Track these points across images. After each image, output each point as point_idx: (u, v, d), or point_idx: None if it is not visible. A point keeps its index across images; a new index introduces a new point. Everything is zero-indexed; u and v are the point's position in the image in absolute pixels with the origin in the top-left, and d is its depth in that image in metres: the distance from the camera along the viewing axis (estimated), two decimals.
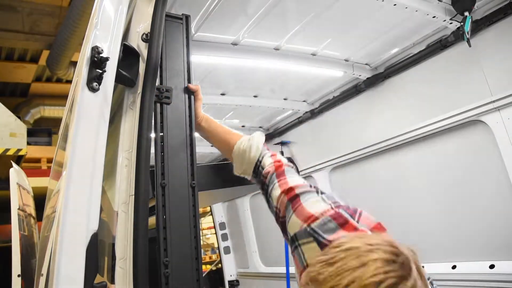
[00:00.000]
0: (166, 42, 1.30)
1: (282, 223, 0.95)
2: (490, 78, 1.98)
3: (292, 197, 0.93)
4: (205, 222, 8.29)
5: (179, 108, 1.25)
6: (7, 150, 6.49)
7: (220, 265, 4.52)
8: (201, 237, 1.30)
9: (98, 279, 0.97)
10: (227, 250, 4.36)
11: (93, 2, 1.18)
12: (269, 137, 3.42)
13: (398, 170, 2.56)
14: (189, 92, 1.28)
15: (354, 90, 2.67)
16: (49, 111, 10.67)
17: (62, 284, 0.89)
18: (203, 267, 4.37)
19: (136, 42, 1.20)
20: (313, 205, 0.88)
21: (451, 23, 2.05)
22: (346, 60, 2.44)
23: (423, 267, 1.06)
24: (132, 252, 1.03)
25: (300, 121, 3.18)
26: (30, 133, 8.15)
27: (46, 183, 2.51)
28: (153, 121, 1.17)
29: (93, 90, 1.01)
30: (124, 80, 1.15)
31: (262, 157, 1.14)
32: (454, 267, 2.13)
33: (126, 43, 1.16)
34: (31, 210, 3.19)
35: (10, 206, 2.68)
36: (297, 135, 3.28)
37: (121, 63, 1.10)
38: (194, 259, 1.19)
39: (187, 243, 1.19)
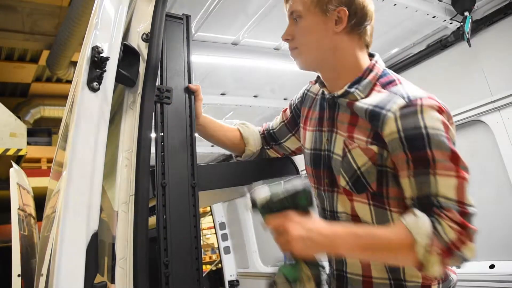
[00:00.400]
0: (166, 42, 1.30)
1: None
2: (490, 78, 1.98)
3: None
4: (205, 222, 8.30)
5: (180, 108, 1.25)
6: (7, 150, 6.50)
7: (220, 265, 4.52)
8: (201, 237, 1.30)
9: (98, 279, 0.97)
10: (227, 250, 4.36)
11: (93, 2, 1.18)
12: None
13: None
14: (190, 92, 1.28)
15: None
16: (49, 111, 10.68)
17: (62, 284, 0.89)
18: (203, 267, 4.37)
19: (136, 42, 1.20)
20: None
21: (451, 23, 2.05)
22: None
23: None
24: (132, 252, 1.03)
25: None
26: (30, 133, 8.16)
27: (46, 183, 2.51)
28: (153, 121, 1.17)
29: (93, 90, 1.01)
30: (124, 80, 1.15)
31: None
32: None
33: (126, 43, 1.16)
34: (31, 210, 3.19)
35: (10, 206, 2.68)
36: None
37: (121, 63, 1.10)
38: (194, 259, 1.19)
39: (187, 243, 1.19)
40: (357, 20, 1.07)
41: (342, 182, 1.07)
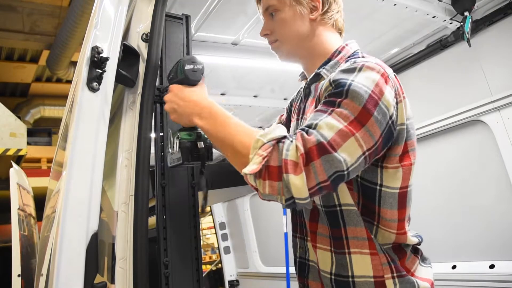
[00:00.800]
0: (166, 42, 1.30)
1: None
2: (490, 78, 1.98)
3: None
4: (205, 222, 8.30)
5: None
6: (7, 150, 6.50)
7: (220, 265, 4.52)
8: (201, 237, 1.30)
9: (98, 279, 0.96)
10: (227, 250, 4.36)
11: (93, 2, 1.18)
12: None
13: None
14: None
15: None
16: (49, 111, 10.68)
17: (62, 284, 0.89)
18: (203, 267, 4.37)
19: (136, 42, 1.20)
20: None
21: (451, 23, 2.05)
22: None
23: (430, 267, 1.07)
24: (132, 252, 1.03)
25: None
26: (30, 133, 8.16)
27: (46, 183, 2.51)
28: (153, 121, 1.17)
29: (93, 90, 1.01)
30: (124, 80, 1.15)
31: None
32: (454, 267, 2.13)
33: (126, 43, 1.16)
34: (31, 210, 3.18)
35: (10, 206, 2.68)
36: None
37: (121, 63, 1.10)
38: (194, 259, 1.19)
39: (187, 243, 1.20)
40: (329, 6, 1.13)
41: None
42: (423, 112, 2.28)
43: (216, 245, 5.67)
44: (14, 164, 3.18)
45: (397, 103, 0.94)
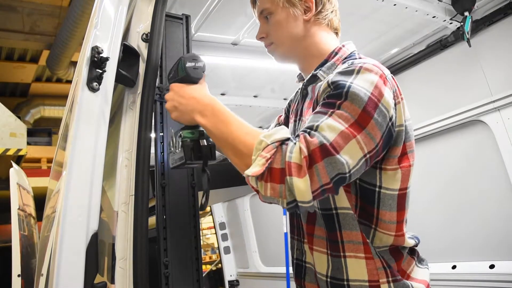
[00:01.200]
0: (166, 42, 1.30)
1: None
2: (490, 78, 1.98)
3: None
4: (205, 222, 8.30)
5: None
6: (7, 150, 6.50)
7: (220, 265, 4.52)
8: (201, 237, 1.30)
9: (98, 279, 0.96)
10: (227, 250, 4.36)
11: (93, 2, 1.18)
12: None
13: None
14: None
15: None
16: (49, 111, 10.68)
17: (62, 284, 0.89)
18: (203, 267, 4.37)
19: (136, 42, 1.20)
20: None
21: (451, 23, 2.05)
22: None
23: (427, 268, 1.07)
24: (132, 252, 1.03)
25: None
26: (30, 133, 8.17)
27: (46, 183, 2.51)
28: (153, 121, 1.17)
29: (93, 90, 1.01)
30: (124, 80, 1.15)
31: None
32: (454, 267, 2.13)
33: (126, 43, 1.16)
34: (31, 210, 3.18)
35: (10, 206, 2.67)
36: None
37: (121, 63, 1.10)
38: (194, 259, 1.19)
39: (187, 243, 1.20)
40: (323, 6, 1.13)
41: None
42: (423, 112, 2.28)
43: (216, 245, 5.67)
44: (14, 164, 3.18)
45: (395, 105, 0.94)
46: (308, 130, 0.85)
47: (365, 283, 0.95)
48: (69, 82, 8.14)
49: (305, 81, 1.15)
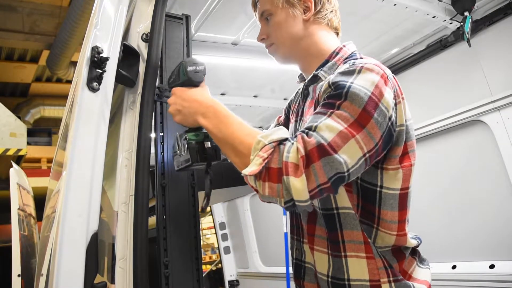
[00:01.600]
0: (166, 42, 1.30)
1: None
2: (490, 78, 1.98)
3: None
4: (205, 222, 8.30)
5: None
6: (7, 150, 6.50)
7: (220, 265, 4.52)
8: (201, 237, 1.30)
9: (98, 279, 0.97)
10: (227, 250, 4.36)
11: (93, 2, 1.18)
12: None
13: None
14: None
15: None
16: (49, 111, 10.69)
17: (62, 284, 0.89)
18: (203, 267, 4.37)
19: (136, 42, 1.20)
20: None
21: (451, 23, 2.05)
22: None
23: (428, 268, 1.06)
24: (132, 252, 1.03)
25: None
26: (30, 133, 8.17)
27: (46, 183, 2.51)
28: (153, 121, 1.17)
29: (93, 90, 1.01)
30: (124, 80, 1.15)
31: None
32: (454, 267, 2.13)
33: (126, 43, 1.16)
34: (31, 210, 3.18)
35: (10, 206, 2.67)
36: None
37: (121, 63, 1.10)
38: (194, 259, 1.19)
39: (187, 243, 1.20)
40: (322, 6, 1.14)
41: None
42: (423, 112, 2.28)
43: (216, 245, 5.67)
44: (14, 164, 3.18)
45: (396, 104, 0.94)
46: (306, 131, 0.85)
47: (366, 283, 0.95)
48: (69, 82, 8.14)
49: (306, 81, 1.15)
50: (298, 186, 0.80)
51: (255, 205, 3.95)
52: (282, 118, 1.41)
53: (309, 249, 1.06)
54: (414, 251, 1.06)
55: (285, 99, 2.92)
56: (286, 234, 3.26)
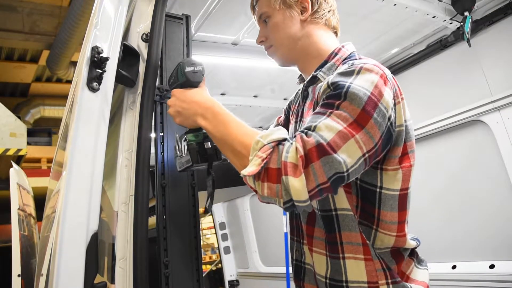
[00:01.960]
0: (166, 42, 1.30)
1: None
2: (490, 78, 1.98)
3: None
4: (205, 222, 8.30)
5: None
6: (7, 150, 6.50)
7: (220, 265, 4.52)
8: (201, 237, 1.30)
9: (98, 279, 0.97)
10: (227, 250, 4.36)
11: (93, 2, 1.18)
12: None
13: None
14: None
15: None
16: (49, 111, 10.68)
17: (62, 284, 0.89)
18: (203, 267, 4.37)
19: (136, 42, 1.20)
20: None
21: (451, 23, 2.05)
22: None
23: (426, 269, 1.06)
24: (132, 252, 1.03)
25: None
26: (30, 133, 8.16)
27: (46, 183, 2.51)
28: (153, 121, 1.17)
29: (93, 90, 1.01)
30: (124, 80, 1.15)
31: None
32: (454, 267, 2.13)
33: (126, 43, 1.16)
34: (31, 210, 3.18)
35: (10, 206, 2.67)
36: None
37: (121, 63, 1.10)
38: (194, 259, 1.19)
39: (187, 243, 1.20)
40: (319, 6, 1.14)
41: None
42: (423, 112, 2.28)
43: (216, 245, 5.67)
44: (14, 164, 3.18)
45: (395, 105, 0.94)
46: (306, 131, 0.85)
47: (364, 285, 0.95)
48: (69, 82, 8.14)
49: (305, 82, 1.15)
50: (297, 186, 0.79)
51: (255, 205, 3.95)
52: (282, 119, 1.41)
53: (308, 251, 1.06)
54: (412, 252, 1.06)
55: (285, 99, 2.92)
56: (286, 234, 3.26)
